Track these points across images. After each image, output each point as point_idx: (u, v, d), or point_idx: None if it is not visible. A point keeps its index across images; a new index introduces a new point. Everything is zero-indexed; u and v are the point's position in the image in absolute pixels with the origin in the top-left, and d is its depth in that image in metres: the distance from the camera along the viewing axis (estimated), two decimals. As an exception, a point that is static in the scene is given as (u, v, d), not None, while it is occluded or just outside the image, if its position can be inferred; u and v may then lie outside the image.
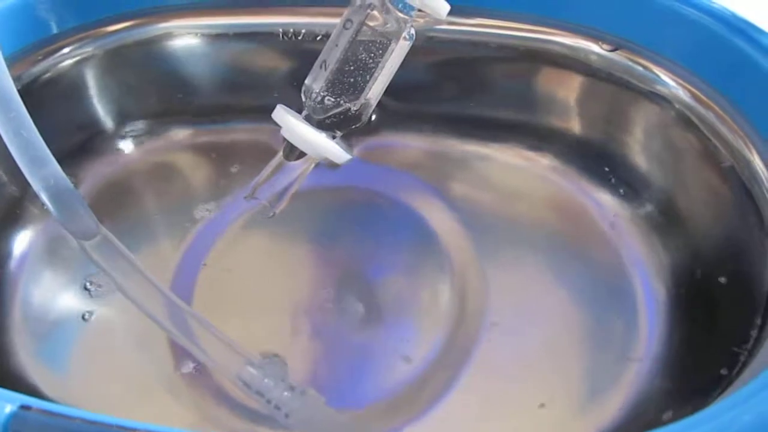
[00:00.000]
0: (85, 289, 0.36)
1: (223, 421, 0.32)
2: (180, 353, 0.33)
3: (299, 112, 0.33)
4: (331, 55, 0.32)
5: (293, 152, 0.33)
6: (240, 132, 0.43)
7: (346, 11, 0.32)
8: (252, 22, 0.40)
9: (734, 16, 0.34)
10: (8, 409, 0.21)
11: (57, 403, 0.31)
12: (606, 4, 0.37)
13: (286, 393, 0.28)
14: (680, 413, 0.24)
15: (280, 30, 0.40)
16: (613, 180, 0.39)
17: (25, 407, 0.21)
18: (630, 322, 0.34)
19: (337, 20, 0.32)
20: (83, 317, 0.35)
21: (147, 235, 0.39)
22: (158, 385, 0.33)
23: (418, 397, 0.32)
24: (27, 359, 0.34)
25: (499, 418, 0.32)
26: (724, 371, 0.28)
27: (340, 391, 0.33)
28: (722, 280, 0.33)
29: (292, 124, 0.32)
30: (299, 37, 0.40)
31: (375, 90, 0.32)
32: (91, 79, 0.40)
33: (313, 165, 0.33)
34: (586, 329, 0.34)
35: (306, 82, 0.33)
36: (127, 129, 0.42)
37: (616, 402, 0.32)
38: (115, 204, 0.40)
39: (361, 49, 0.32)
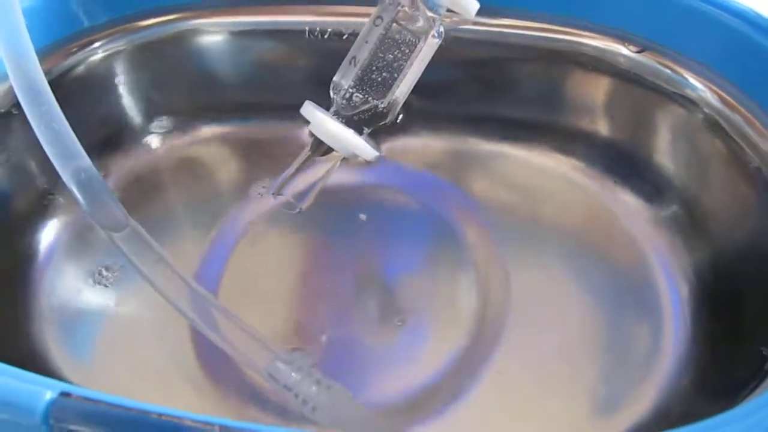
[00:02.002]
0: (101, 275, 0.36)
1: (248, 414, 0.32)
2: (203, 346, 0.33)
3: (327, 109, 0.33)
4: (361, 52, 0.32)
5: (321, 148, 0.33)
6: (266, 129, 0.43)
7: (376, 8, 0.32)
8: (279, 20, 0.41)
9: (761, 17, 0.34)
10: (48, 395, 0.21)
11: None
12: (632, 4, 0.37)
13: (313, 387, 0.28)
14: (707, 413, 0.24)
15: (307, 28, 0.40)
16: (638, 181, 0.39)
17: (65, 394, 0.21)
18: (654, 322, 0.34)
19: (363, 20, 0.33)
20: (108, 308, 0.35)
21: (173, 229, 0.39)
22: (180, 378, 0.33)
23: (437, 397, 0.32)
24: (53, 348, 0.34)
25: (521, 418, 0.32)
26: (751, 371, 0.28)
27: (360, 388, 0.32)
28: (748, 279, 0.33)
29: (320, 120, 0.32)
30: (325, 36, 0.40)
31: (403, 87, 0.33)
32: (120, 74, 0.40)
33: (339, 161, 0.34)
34: (610, 329, 0.34)
35: (335, 78, 0.33)
36: (155, 124, 0.42)
37: (640, 403, 0.32)
38: (141, 198, 0.40)
39: (390, 46, 0.32)
